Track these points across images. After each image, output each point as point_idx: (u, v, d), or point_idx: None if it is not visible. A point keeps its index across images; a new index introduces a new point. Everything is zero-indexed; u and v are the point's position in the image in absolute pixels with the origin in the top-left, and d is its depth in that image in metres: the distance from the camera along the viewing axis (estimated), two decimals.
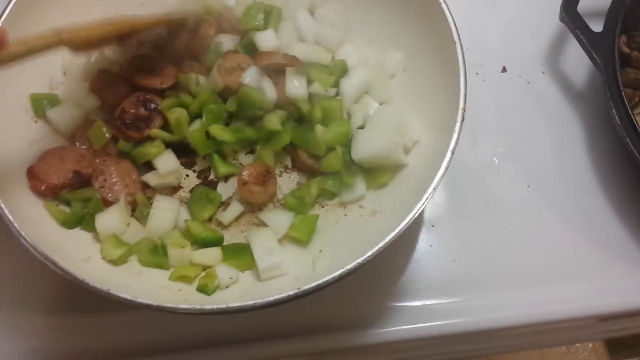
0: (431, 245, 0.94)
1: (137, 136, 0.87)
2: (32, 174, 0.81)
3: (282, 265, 0.80)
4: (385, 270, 0.92)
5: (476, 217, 0.96)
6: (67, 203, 0.83)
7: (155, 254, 0.81)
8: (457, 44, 0.81)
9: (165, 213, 0.84)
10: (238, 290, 0.79)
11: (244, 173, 0.85)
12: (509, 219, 0.96)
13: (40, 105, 0.86)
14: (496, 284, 0.91)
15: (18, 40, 0.68)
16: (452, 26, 0.82)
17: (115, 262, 0.79)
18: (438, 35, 0.84)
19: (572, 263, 0.93)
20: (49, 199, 0.82)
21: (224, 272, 0.80)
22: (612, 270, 0.93)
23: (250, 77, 0.87)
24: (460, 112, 0.77)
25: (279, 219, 0.85)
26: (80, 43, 0.77)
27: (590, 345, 1.65)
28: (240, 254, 0.82)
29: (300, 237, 0.83)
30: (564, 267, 0.93)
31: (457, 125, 0.77)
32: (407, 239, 0.94)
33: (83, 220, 0.82)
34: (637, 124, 0.89)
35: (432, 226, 0.95)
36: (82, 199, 0.82)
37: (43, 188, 0.81)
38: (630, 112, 0.90)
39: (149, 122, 0.87)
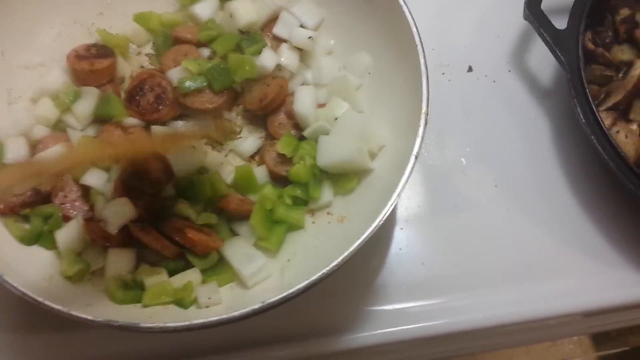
0: (400, 249, 0.93)
1: None
2: None
3: (267, 266, 0.80)
4: (358, 277, 0.92)
5: (445, 218, 0.96)
6: (27, 220, 0.81)
7: (129, 289, 0.78)
8: (419, 47, 0.80)
9: (121, 265, 0.81)
10: (226, 302, 0.78)
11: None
12: (478, 219, 0.96)
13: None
14: (465, 285, 0.91)
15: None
16: (414, 30, 0.81)
17: (72, 279, 0.77)
18: (400, 38, 0.83)
19: (541, 261, 0.94)
20: (8, 216, 0.80)
21: (201, 293, 0.78)
22: (581, 268, 0.94)
23: None
24: (423, 116, 0.77)
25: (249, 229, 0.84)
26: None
27: (575, 338, 1.66)
28: (218, 270, 0.81)
29: (269, 247, 0.82)
30: (532, 266, 0.93)
31: (420, 129, 0.76)
32: (377, 243, 0.94)
33: (41, 237, 0.80)
34: (602, 121, 0.89)
35: (401, 229, 0.95)
36: (42, 215, 0.81)
37: (1, 207, 0.79)
38: (595, 109, 0.89)
39: None
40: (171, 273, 0.80)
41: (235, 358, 0.86)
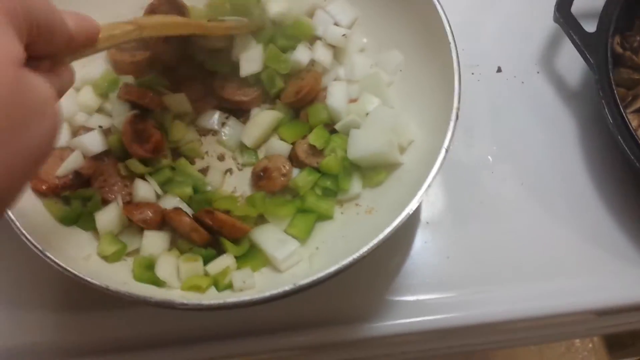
0: (425, 242, 0.95)
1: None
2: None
3: (298, 251, 0.82)
4: (382, 267, 0.94)
5: (470, 215, 0.98)
6: (67, 202, 0.85)
7: (150, 270, 0.81)
8: (452, 44, 0.82)
9: (156, 246, 0.84)
10: (258, 287, 0.81)
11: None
12: (503, 216, 0.97)
13: None
14: (490, 280, 0.93)
15: (105, 36, 0.64)
16: (447, 27, 0.83)
17: (109, 259, 0.81)
18: (433, 35, 0.85)
19: (566, 260, 0.95)
20: (49, 197, 0.84)
21: (236, 277, 0.81)
22: (605, 267, 0.94)
23: None
24: (454, 111, 0.78)
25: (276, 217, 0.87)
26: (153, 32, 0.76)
27: (590, 345, 1.67)
28: (250, 256, 0.84)
29: (299, 235, 0.85)
30: (557, 264, 0.94)
31: (451, 124, 0.78)
32: (402, 237, 0.96)
33: (80, 218, 0.83)
34: (630, 122, 0.90)
35: (427, 223, 0.97)
36: (82, 198, 0.84)
37: (44, 188, 0.82)
38: (622, 111, 0.91)
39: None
40: (205, 262, 0.83)
41: (256, 342, 0.89)
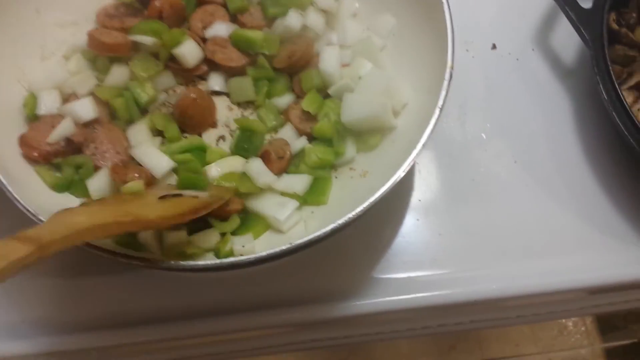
0: (417, 219, 0.94)
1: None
2: (25, 142, 0.81)
3: (297, 213, 0.82)
4: (372, 243, 0.92)
5: (463, 192, 0.96)
6: (59, 169, 0.84)
7: (132, 236, 0.77)
8: (445, 4, 0.81)
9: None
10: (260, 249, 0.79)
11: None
12: (496, 194, 0.96)
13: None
14: (482, 257, 0.92)
15: None
16: None
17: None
18: None
19: (559, 237, 0.94)
20: (41, 164, 0.82)
21: (236, 241, 0.79)
22: (599, 245, 0.94)
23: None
24: (448, 69, 0.78)
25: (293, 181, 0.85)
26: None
27: (582, 328, 1.67)
28: (252, 223, 0.82)
29: (320, 201, 0.83)
30: (550, 241, 0.94)
31: (445, 83, 0.77)
32: (394, 211, 0.95)
33: (72, 185, 0.82)
34: (624, 99, 0.89)
35: (419, 200, 0.96)
36: (74, 165, 0.83)
37: (36, 155, 0.81)
38: (617, 87, 0.90)
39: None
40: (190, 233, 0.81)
41: (242, 319, 0.87)
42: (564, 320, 1.72)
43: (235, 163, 0.85)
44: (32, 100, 0.85)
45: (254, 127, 0.88)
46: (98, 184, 0.81)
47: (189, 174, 0.82)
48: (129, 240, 0.77)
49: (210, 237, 0.80)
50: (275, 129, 0.90)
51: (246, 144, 0.87)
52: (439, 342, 1.77)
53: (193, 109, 0.87)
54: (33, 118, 0.85)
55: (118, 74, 0.88)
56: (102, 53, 0.88)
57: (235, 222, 0.82)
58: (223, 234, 0.81)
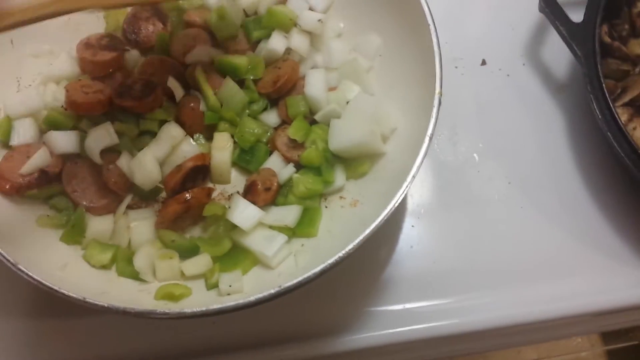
0: (411, 247, 0.91)
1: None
2: None
3: (287, 245, 0.79)
4: (365, 274, 0.90)
5: (457, 216, 0.94)
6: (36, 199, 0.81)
7: (131, 264, 0.78)
8: (431, 27, 0.78)
9: (144, 222, 0.82)
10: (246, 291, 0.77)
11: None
12: (490, 217, 0.94)
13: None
14: (478, 284, 0.89)
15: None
16: (426, 8, 0.79)
17: (107, 266, 0.78)
18: (411, 17, 0.81)
19: (556, 260, 0.91)
20: (17, 198, 0.79)
21: (223, 279, 0.77)
22: (596, 266, 0.91)
23: None
24: (436, 96, 0.75)
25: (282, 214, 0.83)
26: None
27: None
28: (240, 257, 0.80)
29: (309, 234, 0.81)
30: (547, 264, 0.91)
31: (434, 110, 0.74)
32: (387, 238, 0.92)
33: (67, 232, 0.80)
34: (619, 117, 0.87)
35: (412, 226, 0.93)
36: (48, 196, 0.81)
37: (8, 187, 0.78)
38: (611, 105, 0.87)
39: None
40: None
41: (237, 357, 0.85)
42: None
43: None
44: (6, 124, 0.83)
45: (234, 62, 0.86)
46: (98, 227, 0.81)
47: None
48: (130, 270, 0.77)
49: (201, 263, 0.79)
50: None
51: (248, 155, 0.86)
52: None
53: None
54: (5, 145, 0.82)
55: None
56: (77, 112, 0.84)
57: (226, 246, 0.80)
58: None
